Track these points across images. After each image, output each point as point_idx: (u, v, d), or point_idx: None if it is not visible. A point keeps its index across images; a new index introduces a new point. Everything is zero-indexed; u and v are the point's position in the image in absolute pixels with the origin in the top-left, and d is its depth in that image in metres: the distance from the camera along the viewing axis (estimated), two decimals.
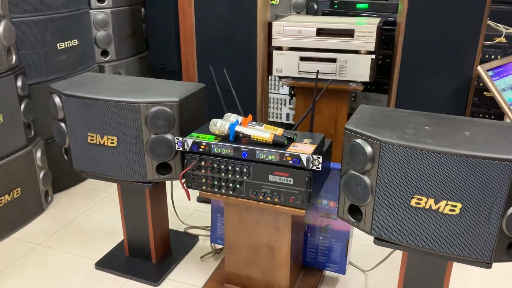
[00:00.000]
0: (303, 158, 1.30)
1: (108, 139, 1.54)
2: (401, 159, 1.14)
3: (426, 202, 1.15)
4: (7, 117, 1.95)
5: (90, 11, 2.53)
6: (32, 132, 2.14)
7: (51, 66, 2.23)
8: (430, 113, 1.34)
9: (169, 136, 1.50)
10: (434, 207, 1.15)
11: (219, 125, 1.41)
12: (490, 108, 2.20)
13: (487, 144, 1.11)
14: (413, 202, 1.16)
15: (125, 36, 2.79)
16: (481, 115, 2.25)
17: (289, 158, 1.32)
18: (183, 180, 1.48)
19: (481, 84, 2.10)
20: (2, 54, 1.89)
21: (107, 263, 1.84)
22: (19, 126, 2.03)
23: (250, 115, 1.48)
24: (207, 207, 2.27)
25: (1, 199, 1.96)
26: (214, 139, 1.42)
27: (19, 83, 2.00)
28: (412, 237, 1.20)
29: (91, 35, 2.52)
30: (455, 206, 1.13)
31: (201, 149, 1.42)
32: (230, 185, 1.43)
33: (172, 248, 1.92)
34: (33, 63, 2.15)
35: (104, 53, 2.69)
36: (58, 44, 2.23)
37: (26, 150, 2.07)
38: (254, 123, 1.44)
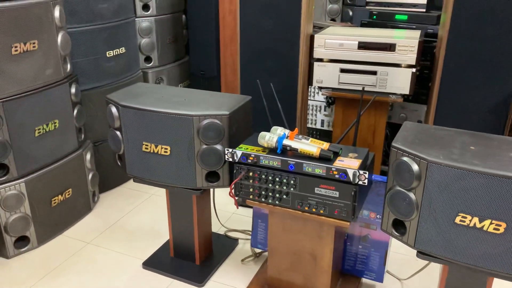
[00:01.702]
0: (350, 173, 1.36)
1: (161, 148, 1.63)
2: (447, 179, 1.19)
3: (470, 220, 1.20)
4: (62, 122, 2.08)
5: (135, 19, 2.64)
6: (83, 136, 2.26)
7: (100, 73, 2.35)
8: (474, 132, 1.38)
9: (218, 147, 1.59)
10: (478, 225, 1.19)
11: (268, 138, 1.49)
12: None
13: None
14: (457, 219, 1.21)
15: (167, 43, 2.90)
16: None
17: (335, 173, 1.38)
18: (232, 189, 1.56)
19: None
20: (59, 63, 2.01)
21: (154, 263, 1.94)
22: (72, 131, 2.15)
23: (296, 128, 1.55)
24: (246, 211, 2.35)
25: (55, 199, 2.09)
26: (262, 151, 1.50)
27: (73, 90, 2.12)
28: (455, 252, 1.25)
29: (136, 43, 2.63)
30: (500, 225, 1.17)
31: (249, 160, 1.50)
32: (277, 195, 1.50)
33: (214, 250, 2.01)
34: (84, 70, 2.28)
35: (147, 59, 2.80)
36: (107, 52, 2.35)
37: (77, 153, 2.19)
38: (300, 137, 1.50)
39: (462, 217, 1.20)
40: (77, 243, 2.10)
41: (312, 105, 2.91)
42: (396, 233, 1.35)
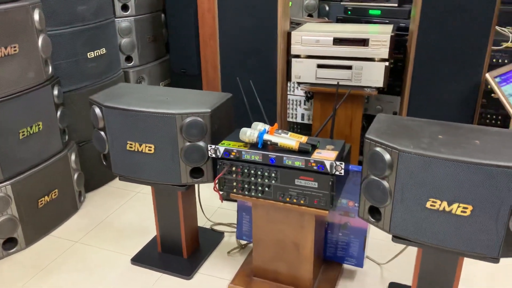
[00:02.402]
0: (327, 164, 1.43)
1: (146, 146, 1.68)
2: (417, 166, 1.27)
3: (440, 205, 1.28)
4: (45, 124, 2.10)
5: (115, 19, 2.66)
6: (67, 137, 2.29)
7: (81, 74, 2.37)
8: (443, 122, 1.46)
9: (201, 144, 1.64)
10: (447, 209, 1.28)
11: (249, 134, 1.55)
12: (498, 109, 2.31)
13: (495, 153, 1.24)
14: (428, 204, 1.30)
15: (147, 42, 2.93)
16: (489, 116, 2.36)
17: (314, 164, 1.45)
18: (216, 184, 1.62)
19: (488, 87, 2.21)
20: (41, 65, 2.04)
21: (142, 259, 1.99)
22: (56, 132, 2.18)
23: (276, 124, 1.61)
24: (230, 205, 2.42)
25: (42, 200, 2.12)
26: (244, 147, 1.56)
27: (55, 92, 2.15)
28: (427, 235, 1.33)
29: (116, 43, 2.65)
30: (466, 208, 1.26)
31: (232, 156, 1.56)
32: (259, 188, 1.57)
33: (201, 244, 2.07)
34: (66, 72, 2.30)
35: (128, 59, 2.83)
36: (88, 53, 2.37)
37: (62, 154, 2.22)
38: (280, 131, 1.57)
39: (432, 201, 1.29)
40: (66, 242, 2.14)
41: (292, 100, 2.98)
42: (372, 220, 1.43)
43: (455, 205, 1.27)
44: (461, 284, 1.81)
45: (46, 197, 2.14)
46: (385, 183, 1.35)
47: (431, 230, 1.32)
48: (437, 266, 1.48)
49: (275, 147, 1.54)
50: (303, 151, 1.49)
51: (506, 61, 2.21)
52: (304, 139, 1.54)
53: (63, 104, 2.25)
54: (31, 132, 2.03)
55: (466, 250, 1.31)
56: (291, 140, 1.51)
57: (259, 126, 1.59)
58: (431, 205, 1.29)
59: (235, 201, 2.42)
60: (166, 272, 1.91)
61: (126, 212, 2.39)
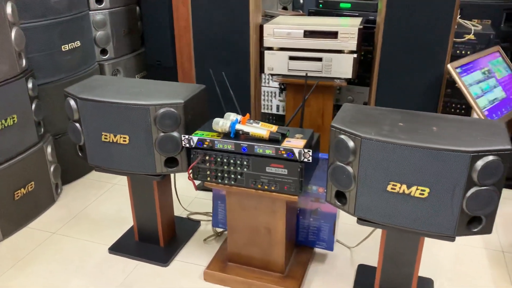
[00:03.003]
0: (296, 152, 1.50)
1: (120, 137, 1.72)
2: (378, 152, 1.35)
3: (400, 188, 1.37)
4: (20, 117, 2.11)
5: (89, 12, 2.67)
6: (42, 130, 2.30)
7: (56, 67, 2.38)
8: (405, 110, 1.55)
9: (175, 134, 1.69)
10: (406, 191, 1.36)
11: (221, 123, 1.60)
12: (461, 99, 2.42)
13: (451, 138, 1.33)
14: (389, 187, 1.38)
15: (122, 35, 2.94)
16: (453, 105, 2.47)
17: (283, 152, 1.52)
18: (190, 173, 1.67)
19: (451, 78, 2.32)
20: (15, 58, 2.04)
21: (119, 248, 2.03)
22: (31, 125, 2.19)
23: (247, 114, 1.67)
24: (207, 195, 2.47)
25: (18, 192, 2.14)
26: (217, 136, 1.62)
27: (30, 85, 2.16)
28: (389, 217, 1.42)
29: (91, 36, 2.66)
30: (424, 191, 1.35)
31: (205, 145, 1.62)
32: (232, 176, 1.63)
33: (177, 232, 2.13)
34: (40, 65, 2.31)
35: (103, 51, 2.84)
36: (62, 46, 2.38)
37: (38, 146, 2.23)
38: (252, 121, 1.63)
39: (393, 185, 1.37)
40: (43, 234, 2.16)
41: (268, 92, 3.04)
42: (339, 203, 1.51)
43: (413, 188, 1.35)
44: (427, 266, 1.92)
45: (22, 189, 2.16)
46: (350, 169, 1.42)
47: (393, 212, 1.41)
48: (400, 246, 1.57)
49: (246, 136, 1.60)
50: (273, 139, 1.56)
51: (469, 52, 2.31)
52: (274, 128, 1.60)
53: (38, 97, 2.26)
54: (6, 125, 2.04)
55: (425, 230, 1.40)
56: (262, 129, 1.58)
57: (231, 116, 1.64)
58: (391, 188, 1.38)
59: (211, 190, 2.48)
60: (143, 260, 1.96)
61: (103, 203, 2.42)
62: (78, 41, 2.48)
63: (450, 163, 1.29)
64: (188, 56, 3.00)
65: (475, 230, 1.38)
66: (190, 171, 1.67)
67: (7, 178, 2.07)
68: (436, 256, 1.98)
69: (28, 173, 2.19)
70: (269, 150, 1.54)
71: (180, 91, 1.76)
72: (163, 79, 2.02)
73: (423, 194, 1.35)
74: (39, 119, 2.25)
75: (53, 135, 2.44)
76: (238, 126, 1.59)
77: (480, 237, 2.10)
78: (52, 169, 2.35)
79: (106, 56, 2.86)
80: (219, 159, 1.62)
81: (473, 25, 2.36)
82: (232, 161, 1.60)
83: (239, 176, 1.62)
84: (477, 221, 1.38)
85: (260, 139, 1.57)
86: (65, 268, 1.93)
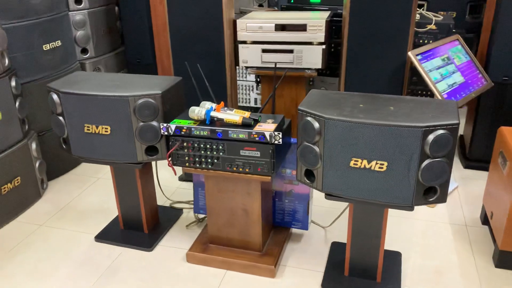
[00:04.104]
0: (267, 135, 1.62)
1: (102, 128, 1.82)
2: (340, 131, 1.48)
3: (361, 163, 1.49)
4: (4, 114, 2.19)
5: (69, 13, 2.75)
6: (27, 127, 2.38)
7: (38, 66, 2.46)
8: (366, 94, 1.67)
9: (154, 123, 1.79)
10: (367, 166, 1.49)
11: (197, 111, 1.71)
12: (426, 86, 2.56)
13: (404, 116, 1.46)
14: (351, 163, 1.51)
15: (102, 34, 3.02)
16: (419, 92, 2.62)
17: (255, 136, 1.64)
18: (169, 159, 1.78)
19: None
20: None
21: (105, 236, 2.13)
22: (15, 122, 2.27)
23: (222, 102, 1.78)
24: (188, 185, 2.58)
25: (5, 187, 2.21)
26: (193, 124, 1.72)
27: (13, 83, 2.23)
28: (353, 191, 1.54)
29: (71, 35, 2.74)
30: (383, 164, 1.47)
31: (183, 132, 1.72)
32: (209, 160, 1.74)
33: (161, 220, 2.23)
34: (23, 64, 2.38)
35: (84, 51, 2.92)
36: (43, 46, 2.46)
37: (22, 143, 2.31)
38: (226, 108, 1.74)
39: (355, 161, 1.50)
40: (30, 226, 2.24)
41: (245, 85, 3.16)
42: (308, 181, 1.63)
43: (373, 162, 1.48)
44: (397, 241, 2.05)
45: (9, 184, 2.24)
46: (316, 148, 1.54)
47: (356, 186, 1.53)
48: (366, 219, 1.70)
49: (221, 122, 1.71)
50: (246, 124, 1.67)
51: (431, 41, 2.46)
52: (247, 114, 1.71)
53: (22, 95, 2.33)
54: None
55: (387, 201, 1.52)
56: (235, 115, 1.69)
57: (206, 105, 1.75)
58: (354, 164, 1.50)
59: (192, 180, 2.59)
60: (128, 246, 2.06)
61: (88, 196, 2.51)
62: (59, 41, 2.56)
63: (404, 138, 1.42)
64: (167, 53, 3.10)
65: (431, 200, 1.51)
66: (169, 157, 1.77)
67: None
68: (405, 233, 2.11)
69: (14, 169, 2.26)
70: (242, 134, 1.65)
71: (158, 83, 1.86)
72: None
73: (382, 168, 1.48)
74: (23, 116, 2.32)
75: (37, 132, 2.52)
76: (213, 113, 1.70)
77: (446, 213, 2.25)
78: (37, 164, 2.43)
79: (87, 55, 2.94)
80: (196, 145, 1.73)
81: (435, 16, 2.51)
82: (208, 146, 1.71)
83: (215, 160, 1.73)
84: (433, 191, 1.51)
85: (234, 125, 1.69)
86: (53, 256, 2.02)
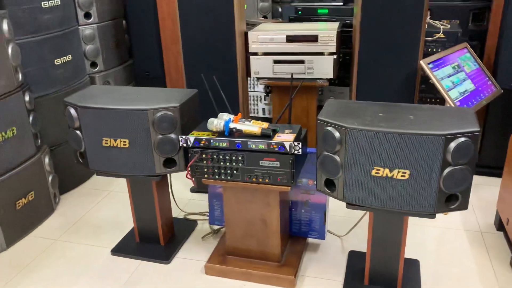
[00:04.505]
0: (287, 145, 1.63)
1: (121, 141, 1.82)
2: (362, 140, 1.49)
3: (383, 172, 1.50)
4: (19, 129, 2.20)
5: (78, 27, 2.77)
6: (39, 141, 2.38)
7: (49, 80, 2.47)
8: (383, 103, 1.69)
9: (172, 136, 1.80)
10: (389, 174, 1.50)
11: (216, 123, 1.72)
12: (435, 93, 2.59)
13: (425, 124, 1.47)
14: (373, 172, 1.52)
15: (111, 48, 3.04)
16: (428, 100, 2.64)
17: (275, 146, 1.65)
18: (189, 170, 1.78)
19: (424, 73, 2.49)
20: (12, 73, 2.13)
21: (122, 249, 2.12)
22: (29, 137, 2.27)
23: (239, 113, 1.80)
24: (201, 196, 2.58)
25: (20, 202, 2.21)
26: (212, 135, 1.73)
27: (27, 98, 2.24)
28: (375, 200, 1.55)
29: (81, 50, 2.76)
30: (405, 173, 1.48)
31: (202, 144, 1.73)
32: (228, 171, 1.74)
33: (176, 232, 2.22)
34: (35, 79, 2.39)
35: (93, 64, 2.94)
36: (55, 61, 2.47)
37: (36, 157, 2.31)
38: (243, 119, 1.75)
39: (377, 169, 1.51)
40: (45, 241, 2.23)
41: (254, 96, 3.18)
42: (328, 191, 1.64)
43: (395, 171, 1.49)
44: (413, 249, 2.06)
45: (23, 199, 2.23)
46: (337, 157, 1.55)
47: (378, 195, 1.54)
48: (386, 228, 1.71)
49: (240, 133, 1.72)
50: (265, 135, 1.68)
51: (439, 49, 2.48)
52: (265, 125, 1.73)
53: (34, 110, 2.34)
54: (6, 137, 2.12)
55: (408, 209, 1.53)
56: (254, 126, 1.70)
57: (224, 116, 1.76)
58: (376, 173, 1.51)
59: (205, 192, 2.59)
60: (145, 259, 2.05)
61: (101, 209, 2.50)
62: (70, 55, 2.57)
63: (426, 146, 1.43)
64: (175, 66, 3.12)
65: (453, 207, 1.52)
66: (189, 169, 1.78)
67: (8, 188, 2.14)
68: (420, 240, 2.12)
69: (28, 183, 2.26)
70: (261, 145, 1.67)
71: (175, 95, 1.87)
72: None
73: (404, 176, 1.49)
74: (36, 130, 2.33)
75: (49, 146, 2.52)
76: (232, 125, 1.72)
77: (460, 219, 2.26)
78: (50, 179, 2.43)
79: (96, 69, 2.95)
80: (215, 156, 1.74)
81: (442, 25, 2.54)
82: (227, 157, 1.72)
83: (234, 171, 1.74)
84: (454, 198, 1.52)
85: (252, 136, 1.70)
86: (70, 271, 2.01)
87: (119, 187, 2.73)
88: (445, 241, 2.11)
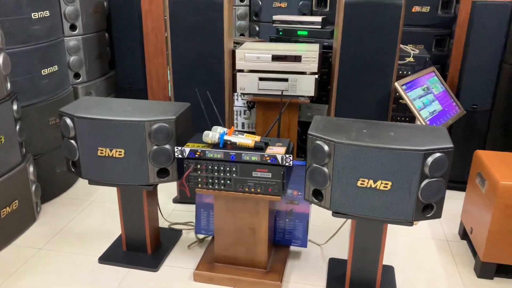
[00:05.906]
0: (279, 157, 1.75)
1: (116, 151, 1.88)
2: (349, 154, 1.63)
3: (367, 183, 1.65)
4: (6, 138, 2.20)
5: (64, 38, 2.80)
6: (24, 150, 2.39)
7: (36, 90, 2.49)
8: (365, 120, 1.85)
9: (167, 147, 1.88)
10: (373, 185, 1.65)
11: (211, 135, 1.82)
12: (405, 112, 2.80)
13: (405, 140, 1.64)
14: (358, 183, 1.66)
15: (94, 60, 3.08)
16: (398, 118, 2.84)
17: (267, 158, 1.76)
18: (184, 181, 1.86)
19: (397, 94, 2.70)
20: (2, 82, 2.15)
21: (109, 257, 2.15)
22: (15, 145, 2.28)
23: (232, 126, 1.90)
24: (183, 207, 2.65)
25: (4, 211, 2.20)
26: (207, 147, 1.83)
27: (15, 107, 2.25)
28: (360, 208, 1.69)
29: (65, 60, 2.78)
30: (387, 184, 1.64)
31: (197, 155, 1.82)
32: (222, 181, 1.84)
33: (162, 241, 2.28)
34: (22, 88, 2.41)
35: (76, 75, 2.97)
36: (42, 70, 2.50)
37: (21, 166, 2.32)
38: (237, 133, 1.86)
39: (362, 180, 1.65)
40: (30, 250, 2.23)
41: (235, 110, 3.29)
42: (316, 200, 1.77)
43: (378, 182, 1.64)
44: (387, 256, 2.21)
45: (7, 207, 2.23)
46: (325, 169, 1.69)
47: (362, 204, 1.68)
48: (367, 235, 1.85)
49: (234, 146, 1.83)
50: (258, 148, 1.80)
51: (410, 72, 2.70)
52: (257, 138, 1.84)
53: (21, 119, 2.35)
54: None
55: (389, 217, 1.68)
56: (248, 139, 1.81)
57: (218, 129, 1.87)
58: (361, 184, 1.66)
59: (187, 203, 2.66)
60: (134, 267, 2.10)
61: (84, 219, 2.52)
62: (56, 66, 2.60)
63: (407, 160, 1.59)
64: (156, 78, 3.20)
65: (429, 215, 1.68)
66: (185, 178, 1.86)
67: None
68: (393, 248, 2.28)
69: (13, 192, 2.26)
70: (255, 157, 1.78)
71: (170, 108, 1.96)
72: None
73: (386, 187, 1.64)
74: (22, 139, 2.34)
75: (33, 156, 2.52)
76: (226, 137, 1.82)
77: (428, 229, 2.44)
78: (33, 188, 2.43)
79: (79, 80, 2.98)
80: (210, 167, 1.83)
81: (412, 50, 2.76)
82: (221, 168, 1.82)
83: (228, 182, 1.84)
84: (430, 208, 1.68)
85: (246, 148, 1.81)
86: (58, 279, 2.02)
87: (101, 197, 2.75)
88: (415, 249, 2.28)
